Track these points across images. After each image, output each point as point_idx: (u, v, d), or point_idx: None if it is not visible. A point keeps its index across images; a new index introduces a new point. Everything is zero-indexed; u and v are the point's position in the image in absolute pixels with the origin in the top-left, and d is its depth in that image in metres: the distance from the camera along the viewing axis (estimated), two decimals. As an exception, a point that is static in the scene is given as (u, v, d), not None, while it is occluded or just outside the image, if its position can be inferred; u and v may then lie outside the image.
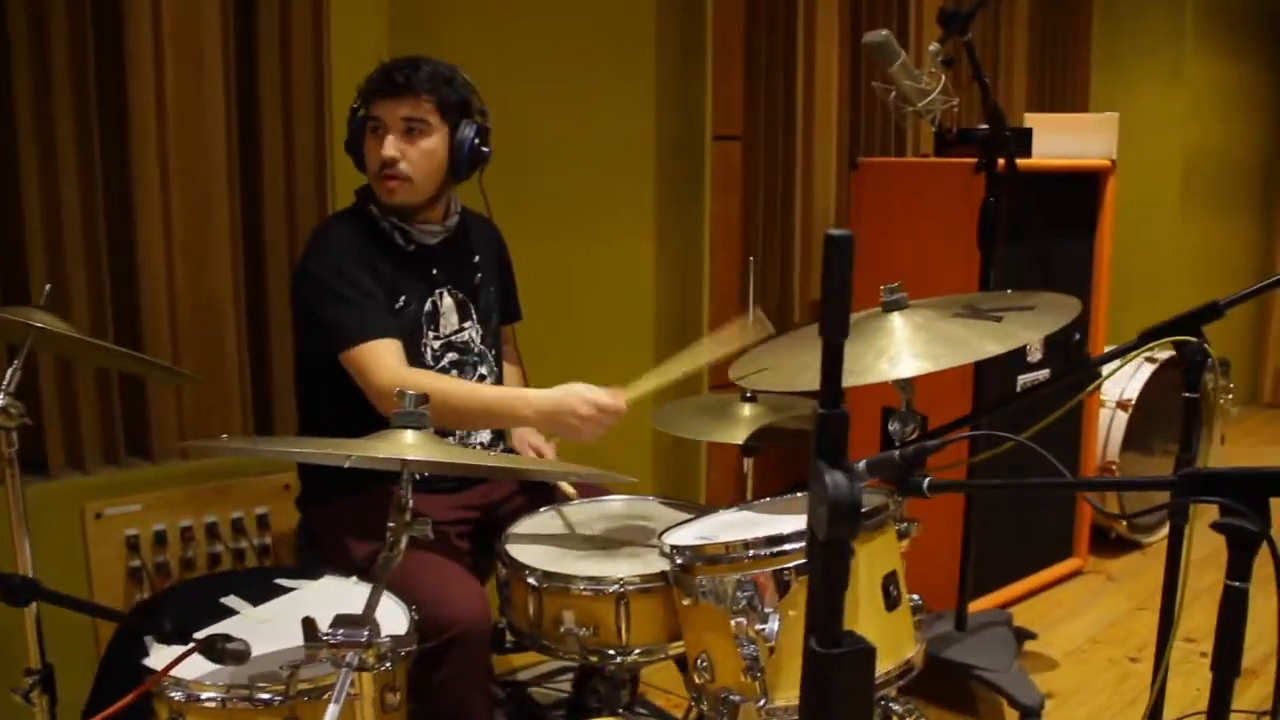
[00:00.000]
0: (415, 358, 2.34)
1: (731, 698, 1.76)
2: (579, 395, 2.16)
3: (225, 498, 2.77)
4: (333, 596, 2.01)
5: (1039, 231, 3.40)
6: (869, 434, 2.34)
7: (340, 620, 1.45)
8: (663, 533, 1.99)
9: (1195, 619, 3.28)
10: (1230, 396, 5.27)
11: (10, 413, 1.83)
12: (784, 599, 1.72)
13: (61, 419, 2.61)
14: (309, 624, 1.43)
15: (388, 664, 1.66)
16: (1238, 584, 1.24)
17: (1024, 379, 3.57)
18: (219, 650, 1.51)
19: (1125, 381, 4.08)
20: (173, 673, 1.64)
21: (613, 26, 3.41)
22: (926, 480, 1.57)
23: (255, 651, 1.63)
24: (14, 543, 1.88)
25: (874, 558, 1.78)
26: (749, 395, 2.55)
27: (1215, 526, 1.24)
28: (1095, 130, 3.73)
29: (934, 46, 2.72)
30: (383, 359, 2.20)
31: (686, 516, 2.18)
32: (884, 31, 2.68)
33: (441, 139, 2.31)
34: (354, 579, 2.07)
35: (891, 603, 1.79)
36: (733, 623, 1.74)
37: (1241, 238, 6.42)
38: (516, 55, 3.20)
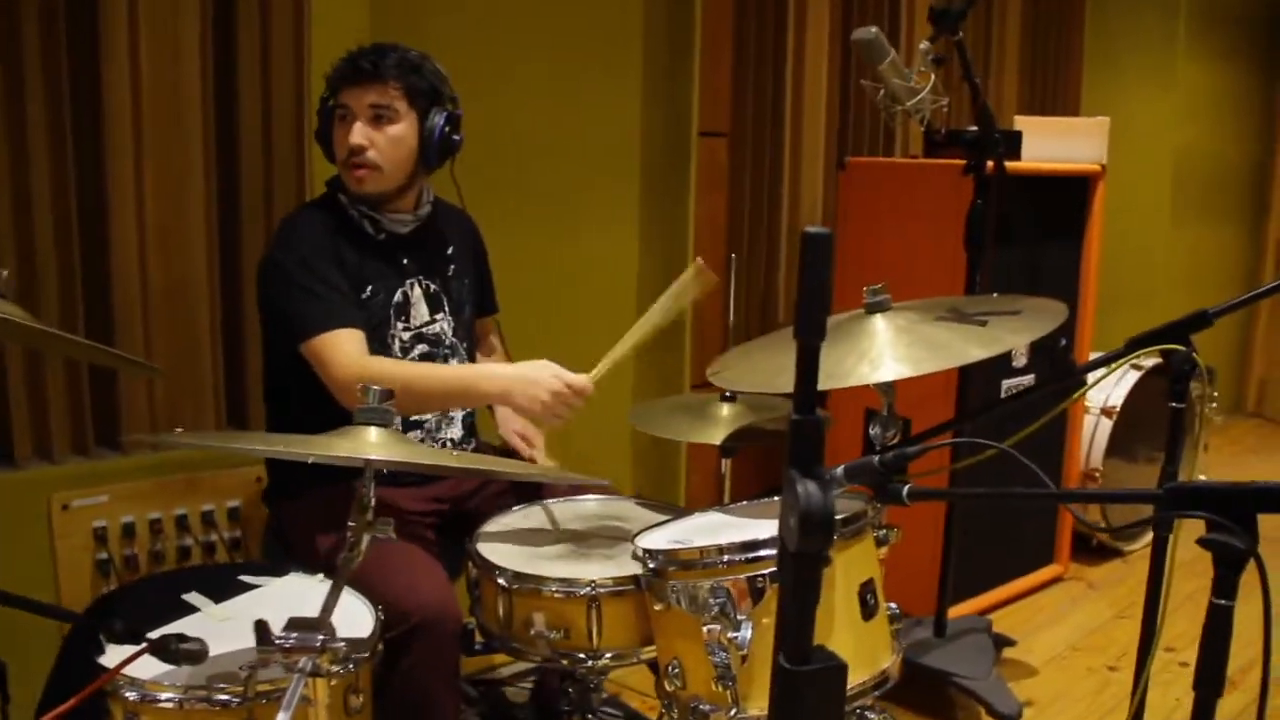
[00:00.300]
0: (383, 348, 2.30)
1: (702, 707, 1.72)
2: (549, 370, 2.14)
3: (195, 490, 2.72)
4: (297, 594, 1.97)
5: (1027, 236, 3.39)
6: (852, 437, 2.31)
7: (294, 623, 1.40)
8: (636, 535, 1.95)
9: (1177, 627, 3.26)
10: (1215, 405, 5.25)
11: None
12: (758, 606, 1.68)
13: (29, 407, 2.56)
14: (261, 627, 1.39)
15: (348, 665, 1.62)
16: (1223, 602, 1.19)
17: (1008, 384, 3.54)
18: (173, 651, 1.47)
19: (1110, 388, 4.06)
20: (129, 672, 1.59)
21: (599, 19, 3.37)
22: (906, 487, 1.54)
23: (215, 651, 1.59)
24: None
25: (851, 565, 1.74)
26: (728, 395, 2.51)
27: (1202, 543, 1.20)
28: (1086, 134, 3.70)
29: (924, 45, 2.69)
30: (342, 349, 2.16)
31: (661, 518, 2.13)
32: (873, 29, 2.65)
33: (410, 126, 2.27)
34: (320, 576, 2.03)
35: (868, 612, 1.75)
36: (704, 630, 1.69)
37: (1231, 244, 6.41)
38: (500, 48, 3.15)
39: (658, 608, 1.81)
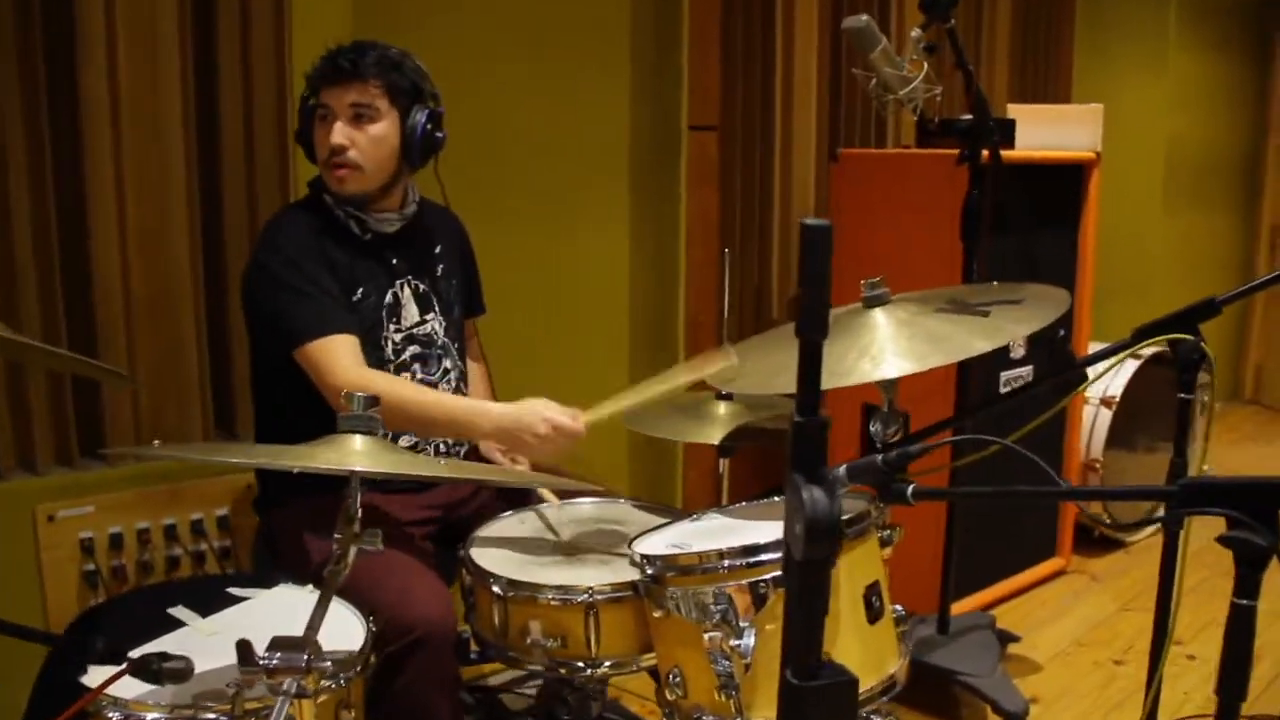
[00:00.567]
0: (375, 351, 2.25)
1: (705, 717, 1.68)
2: (538, 414, 2.09)
3: (183, 499, 2.66)
4: (287, 606, 1.91)
5: (1022, 225, 3.34)
6: (849, 433, 2.26)
7: (278, 643, 1.35)
8: (633, 540, 1.90)
9: (1183, 619, 3.22)
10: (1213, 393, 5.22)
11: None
12: (760, 613, 1.63)
13: (11, 418, 2.51)
14: (244, 647, 1.33)
15: (339, 680, 1.57)
16: (1245, 602, 1.15)
17: (1007, 375, 3.50)
18: (154, 671, 1.41)
19: (1109, 378, 4.01)
20: (113, 692, 1.53)
21: (585, 14, 3.32)
22: (911, 487, 1.49)
23: (202, 667, 1.53)
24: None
25: (855, 568, 1.69)
26: (725, 394, 2.47)
27: (1222, 541, 1.15)
28: (1080, 122, 3.66)
29: (916, 33, 2.65)
30: (340, 357, 2.11)
31: (659, 521, 2.08)
32: (864, 17, 2.60)
33: (392, 125, 2.23)
34: (309, 587, 1.97)
35: (874, 615, 1.70)
36: (706, 637, 1.64)
37: (1224, 230, 6.38)
38: (486, 44, 3.10)
39: (657, 615, 1.76)
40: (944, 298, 2.05)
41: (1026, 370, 3.54)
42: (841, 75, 4.32)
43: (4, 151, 2.41)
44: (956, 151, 2.92)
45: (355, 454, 1.54)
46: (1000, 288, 2.15)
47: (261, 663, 1.33)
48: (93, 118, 2.50)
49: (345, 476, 1.54)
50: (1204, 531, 1.38)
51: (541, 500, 2.35)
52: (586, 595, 1.88)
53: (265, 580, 2.02)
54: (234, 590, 1.97)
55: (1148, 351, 4.00)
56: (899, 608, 1.80)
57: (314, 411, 2.06)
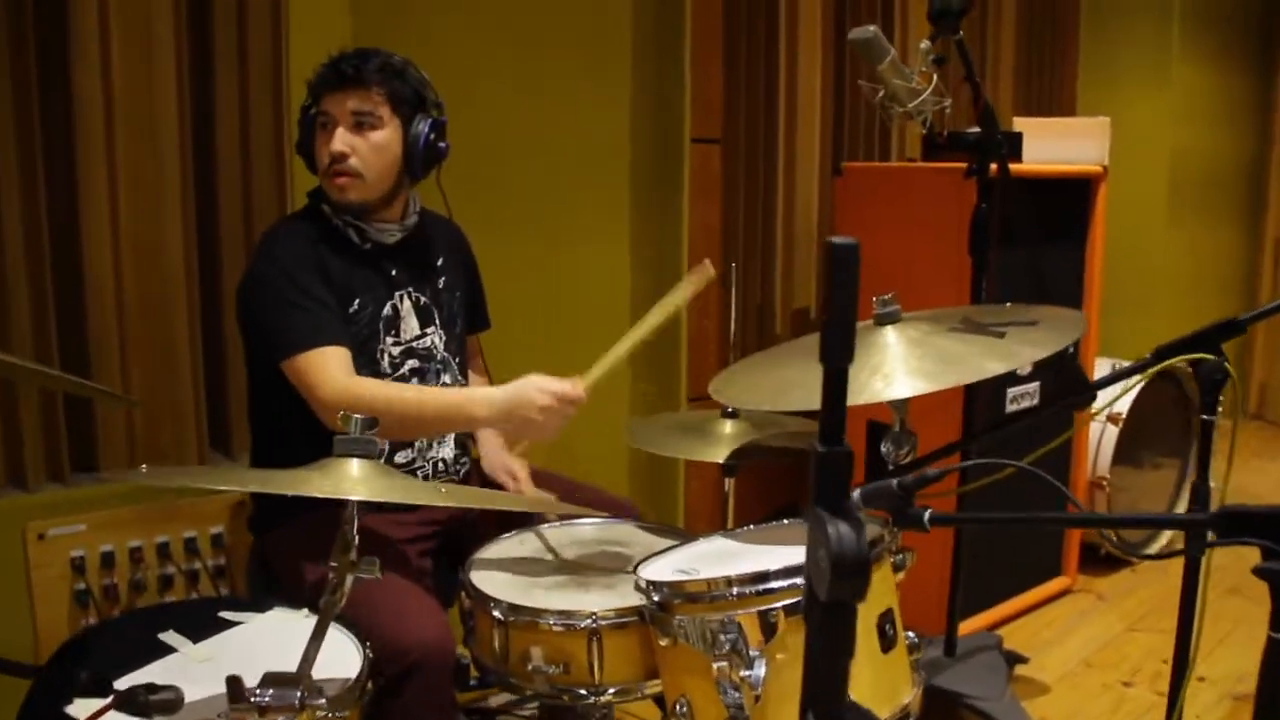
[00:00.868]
0: (371, 364, 2.21)
1: (713, 749, 1.62)
2: (535, 385, 2.04)
3: (177, 516, 2.60)
4: (281, 632, 1.85)
5: (1029, 239, 3.30)
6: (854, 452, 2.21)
7: (270, 679, 1.29)
8: (638, 564, 1.85)
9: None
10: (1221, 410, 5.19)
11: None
12: (771, 642, 1.58)
13: (2, 433, 2.47)
14: (234, 683, 1.27)
15: (335, 713, 1.51)
16: (1283, 638, 1.10)
17: (1014, 392, 3.45)
18: (142, 703, 1.35)
19: (1115, 394, 3.96)
20: (102, 720, 1.48)
21: (586, 22, 3.28)
22: (928, 512, 1.45)
23: (193, 695, 1.49)
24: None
25: (869, 595, 1.64)
26: (730, 411, 2.42)
27: (1259, 573, 1.10)
28: (1087, 135, 3.63)
29: (925, 44, 2.60)
30: (328, 368, 2.06)
31: (664, 544, 2.03)
32: (872, 28, 2.56)
33: (394, 133, 2.18)
34: (304, 611, 1.91)
35: (887, 643, 1.65)
36: (715, 667, 1.59)
37: (1229, 244, 6.36)
38: (486, 52, 3.06)
39: (663, 643, 1.71)
40: (957, 317, 2.00)
41: (1033, 387, 3.49)
42: (845, 88, 4.27)
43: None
44: (962, 165, 2.89)
45: (352, 480, 1.48)
46: (1014, 308, 2.10)
47: (253, 700, 1.27)
48: (86, 123, 2.47)
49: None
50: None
51: (543, 520, 2.29)
52: (590, 621, 1.82)
53: (258, 604, 1.96)
54: (226, 614, 1.91)
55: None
56: (912, 635, 1.75)
57: (312, 429, 2.03)
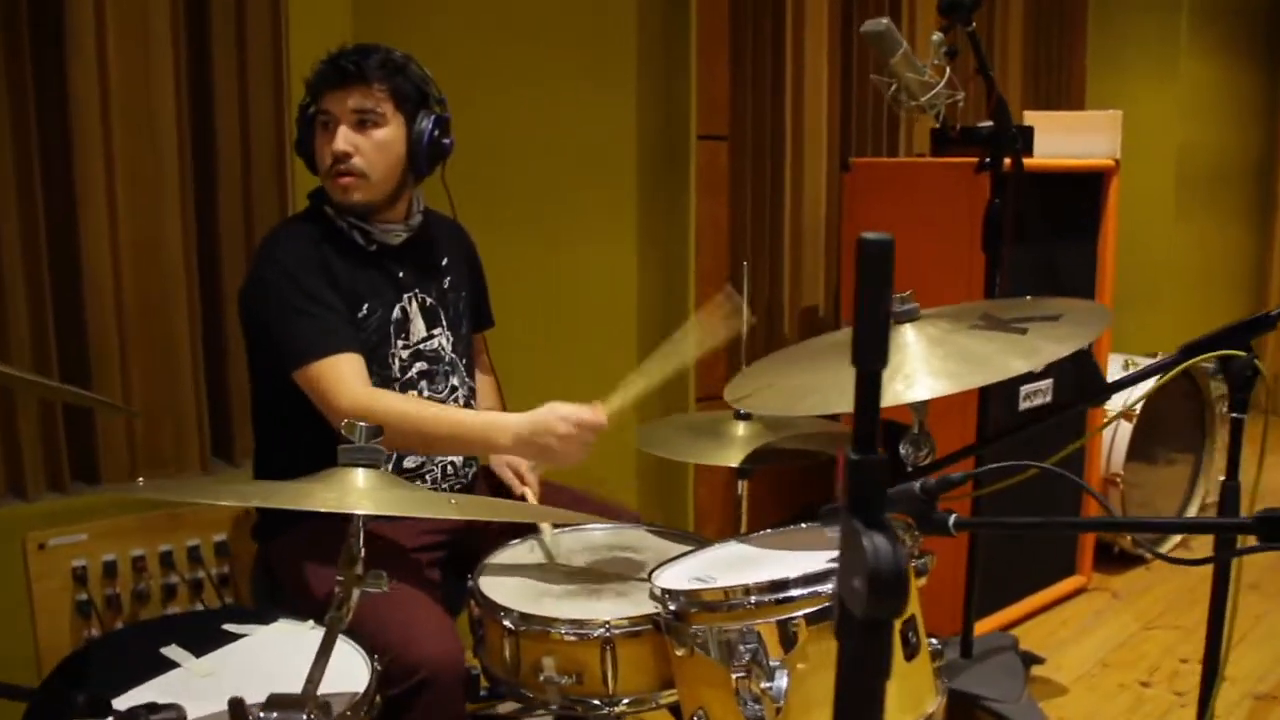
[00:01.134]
0: (382, 369, 2.16)
1: (733, 763, 1.57)
2: (556, 413, 1.97)
3: (180, 525, 2.56)
4: (286, 645, 1.80)
5: (1041, 234, 3.25)
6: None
7: (275, 701, 1.24)
8: (652, 572, 1.80)
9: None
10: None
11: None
12: (791, 652, 1.53)
13: (2, 443, 2.44)
14: (237, 705, 1.23)
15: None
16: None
17: (1027, 389, 3.40)
18: (143, 724, 1.31)
19: (1128, 390, 3.91)
20: (101, 739, 1.44)
21: (591, 21, 3.24)
22: (953, 517, 1.40)
23: (196, 713, 1.44)
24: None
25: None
26: (742, 413, 2.37)
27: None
28: (1098, 128, 3.58)
29: (937, 37, 2.56)
30: (345, 377, 2.01)
31: (677, 550, 1.98)
32: (885, 20, 2.51)
33: (397, 131, 2.13)
34: (310, 622, 1.86)
35: (911, 651, 1.60)
36: (734, 678, 1.54)
37: (1237, 239, 6.32)
38: (488, 50, 3.03)
39: (680, 653, 1.66)
40: (977, 313, 1.95)
41: (1046, 384, 3.44)
42: (852, 83, 4.23)
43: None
44: (972, 159, 2.84)
45: (358, 493, 1.43)
46: (1034, 302, 2.05)
47: (258, 722, 1.23)
48: (82, 122, 2.44)
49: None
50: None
51: (555, 526, 2.24)
52: (603, 629, 1.76)
53: (262, 615, 1.92)
54: (230, 627, 1.87)
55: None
56: (934, 641, 1.70)
57: (317, 437, 1.97)
